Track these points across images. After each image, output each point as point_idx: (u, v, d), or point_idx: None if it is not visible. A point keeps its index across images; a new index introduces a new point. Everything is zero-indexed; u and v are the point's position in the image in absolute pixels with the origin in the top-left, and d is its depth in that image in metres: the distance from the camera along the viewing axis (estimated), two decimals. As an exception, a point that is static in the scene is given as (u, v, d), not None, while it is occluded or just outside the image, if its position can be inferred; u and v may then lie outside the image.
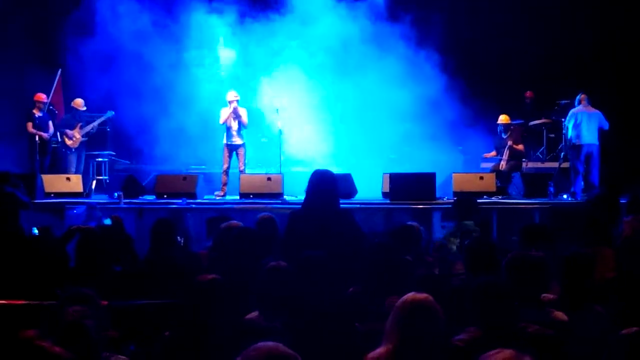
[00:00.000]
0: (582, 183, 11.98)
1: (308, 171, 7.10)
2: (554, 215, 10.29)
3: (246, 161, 12.65)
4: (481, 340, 3.57)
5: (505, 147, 12.83)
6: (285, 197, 11.61)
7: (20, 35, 14.49)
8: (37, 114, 12.88)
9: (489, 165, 13.36)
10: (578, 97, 12.22)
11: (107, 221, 7.32)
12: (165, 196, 11.71)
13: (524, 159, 13.29)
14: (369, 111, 13.79)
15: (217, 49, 14.53)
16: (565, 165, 12.77)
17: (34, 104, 12.96)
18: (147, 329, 4.49)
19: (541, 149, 14.66)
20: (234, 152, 12.55)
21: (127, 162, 14.91)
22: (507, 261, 4.30)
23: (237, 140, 12.50)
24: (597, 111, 12.04)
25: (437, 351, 3.43)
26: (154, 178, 12.40)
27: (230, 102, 12.39)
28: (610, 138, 12.20)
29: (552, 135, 14.47)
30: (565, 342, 3.79)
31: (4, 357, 2.97)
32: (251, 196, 11.69)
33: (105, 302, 4.28)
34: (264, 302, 4.36)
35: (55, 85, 14.26)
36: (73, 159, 13.20)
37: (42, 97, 13.11)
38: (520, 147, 12.96)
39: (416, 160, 13.26)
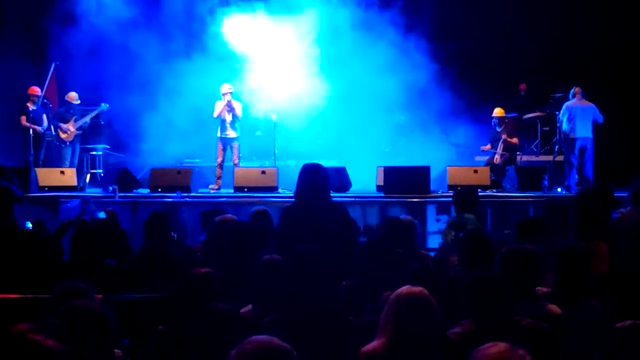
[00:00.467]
0: (577, 176, 12.02)
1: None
2: (549, 208, 10.30)
3: (240, 154, 12.62)
4: (475, 333, 3.57)
5: (499, 141, 12.85)
6: (280, 190, 11.60)
7: (10, 27, 14.40)
8: (31, 107, 12.79)
9: (484, 158, 13.38)
10: (572, 90, 12.25)
11: (102, 215, 7.32)
12: (159, 190, 11.71)
13: (518, 152, 13.30)
14: (361, 102, 13.63)
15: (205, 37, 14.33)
16: (560, 158, 12.80)
17: (28, 97, 12.87)
18: (141, 323, 4.48)
19: (535, 142, 14.68)
20: (228, 146, 12.52)
21: (122, 155, 14.86)
22: (502, 254, 4.29)
23: (231, 134, 12.47)
24: (591, 104, 12.06)
25: (432, 344, 3.44)
26: (149, 171, 12.38)
27: (224, 95, 12.35)
28: (605, 131, 12.22)
29: (547, 129, 14.46)
30: (559, 336, 3.79)
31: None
32: (245, 189, 11.67)
33: (100, 296, 4.28)
34: (258, 296, 4.35)
35: (49, 78, 14.18)
36: (67, 152, 13.17)
37: (36, 90, 13.02)
38: (515, 140, 12.97)
39: (410, 153, 13.25)
